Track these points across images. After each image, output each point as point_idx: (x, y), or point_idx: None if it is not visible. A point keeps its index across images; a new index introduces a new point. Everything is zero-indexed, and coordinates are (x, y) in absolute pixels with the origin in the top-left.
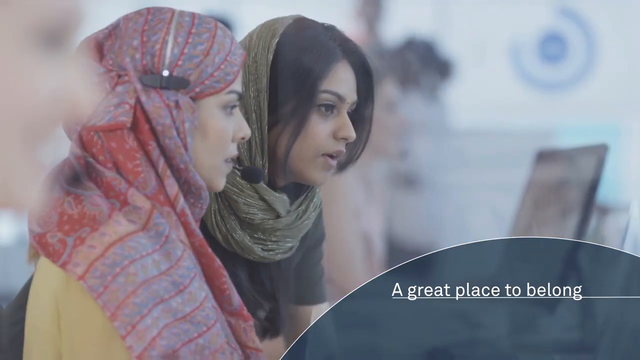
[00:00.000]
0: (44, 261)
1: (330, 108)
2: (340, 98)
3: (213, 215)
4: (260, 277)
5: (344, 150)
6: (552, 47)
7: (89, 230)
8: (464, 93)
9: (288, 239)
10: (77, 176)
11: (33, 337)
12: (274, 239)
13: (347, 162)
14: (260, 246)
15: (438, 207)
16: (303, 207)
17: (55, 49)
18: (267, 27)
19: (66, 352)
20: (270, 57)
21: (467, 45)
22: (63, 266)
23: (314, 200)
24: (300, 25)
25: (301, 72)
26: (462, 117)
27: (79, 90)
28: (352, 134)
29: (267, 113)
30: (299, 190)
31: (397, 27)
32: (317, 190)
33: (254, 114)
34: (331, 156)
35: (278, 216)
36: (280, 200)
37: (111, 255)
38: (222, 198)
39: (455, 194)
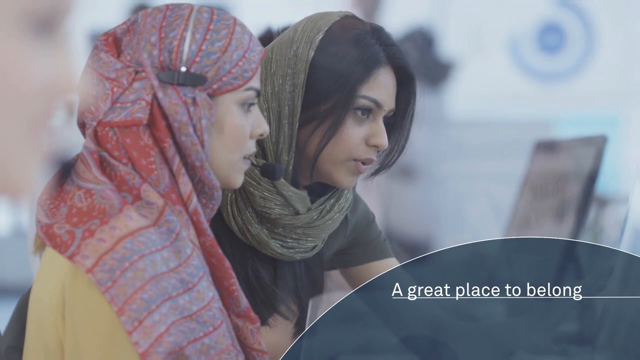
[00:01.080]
0: (49, 252)
1: (366, 113)
2: (378, 105)
3: (229, 205)
4: (283, 273)
5: (375, 158)
6: (550, 37)
7: (99, 222)
8: (462, 83)
9: (310, 238)
10: (89, 170)
11: (35, 329)
12: (294, 236)
13: (380, 169)
14: (279, 242)
15: (435, 198)
16: (327, 206)
17: (47, 35)
18: (313, 22)
19: (69, 345)
20: (312, 53)
21: (465, 36)
22: (71, 257)
23: (340, 202)
24: (347, 24)
25: (342, 74)
26: (459, 107)
27: (71, 76)
28: (384, 142)
29: (300, 109)
30: (324, 188)
31: (394, 17)
32: (346, 192)
33: (286, 108)
34: (363, 162)
35: (297, 213)
36: (298, 196)
37: (121, 249)
38: (240, 189)
39: (453, 185)
